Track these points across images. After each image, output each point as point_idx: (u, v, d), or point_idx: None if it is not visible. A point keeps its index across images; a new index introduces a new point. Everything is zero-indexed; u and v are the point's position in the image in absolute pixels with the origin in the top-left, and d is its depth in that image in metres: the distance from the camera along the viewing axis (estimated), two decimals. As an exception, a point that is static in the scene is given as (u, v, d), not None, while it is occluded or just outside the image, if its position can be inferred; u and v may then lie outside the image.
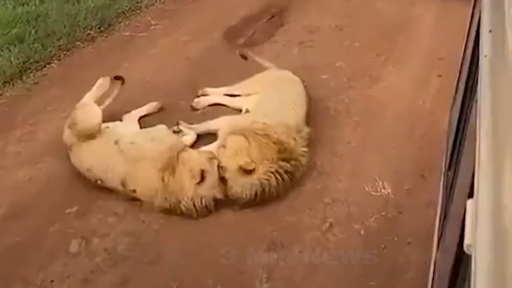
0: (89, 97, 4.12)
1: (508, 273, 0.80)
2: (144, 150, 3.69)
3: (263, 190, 3.54)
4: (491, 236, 0.88)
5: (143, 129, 4.07)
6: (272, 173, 3.57)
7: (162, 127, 3.96)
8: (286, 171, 3.61)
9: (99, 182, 3.71)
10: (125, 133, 3.89)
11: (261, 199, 3.56)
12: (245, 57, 4.88)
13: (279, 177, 3.57)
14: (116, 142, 3.76)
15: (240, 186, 3.55)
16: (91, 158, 3.76)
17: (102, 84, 4.22)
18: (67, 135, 3.92)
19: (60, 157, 3.98)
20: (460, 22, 2.86)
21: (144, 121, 4.25)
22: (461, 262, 1.41)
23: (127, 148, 3.72)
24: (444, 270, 1.65)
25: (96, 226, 3.49)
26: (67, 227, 3.49)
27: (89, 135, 3.82)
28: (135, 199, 3.61)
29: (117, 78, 4.32)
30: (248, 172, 3.54)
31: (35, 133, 4.31)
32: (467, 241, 1.03)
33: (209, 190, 3.52)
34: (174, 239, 3.40)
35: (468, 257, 1.00)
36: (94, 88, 4.18)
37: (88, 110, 3.97)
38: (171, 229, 3.47)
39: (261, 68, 4.69)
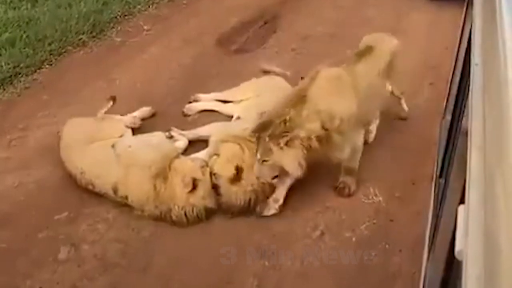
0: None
1: (499, 278, 0.80)
2: (139, 155, 3.67)
3: (257, 197, 3.53)
4: (482, 241, 0.88)
5: (141, 135, 4.05)
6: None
7: (159, 134, 3.98)
8: (278, 178, 3.60)
9: (90, 186, 3.68)
10: (122, 137, 3.91)
11: (254, 207, 3.54)
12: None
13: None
14: (113, 146, 3.77)
15: (234, 193, 3.52)
16: (86, 160, 3.73)
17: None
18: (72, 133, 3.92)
19: (50, 163, 3.95)
20: (452, 31, 2.88)
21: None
22: (451, 269, 1.41)
23: (123, 152, 3.71)
24: (435, 277, 1.65)
25: (85, 233, 3.46)
26: (56, 234, 3.45)
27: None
28: (125, 206, 3.58)
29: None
30: (241, 173, 3.50)
31: (25, 139, 4.27)
32: (458, 246, 1.03)
33: (201, 199, 3.50)
34: (164, 247, 3.37)
35: (459, 264, 0.99)
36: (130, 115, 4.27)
37: (115, 122, 4.08)
38: (161, 237, 3.45)
39: (252, 75, 4.69)
